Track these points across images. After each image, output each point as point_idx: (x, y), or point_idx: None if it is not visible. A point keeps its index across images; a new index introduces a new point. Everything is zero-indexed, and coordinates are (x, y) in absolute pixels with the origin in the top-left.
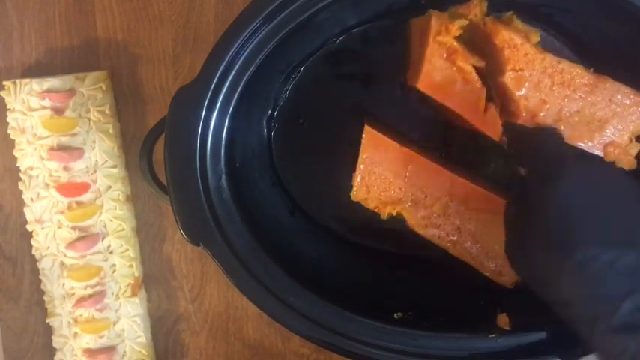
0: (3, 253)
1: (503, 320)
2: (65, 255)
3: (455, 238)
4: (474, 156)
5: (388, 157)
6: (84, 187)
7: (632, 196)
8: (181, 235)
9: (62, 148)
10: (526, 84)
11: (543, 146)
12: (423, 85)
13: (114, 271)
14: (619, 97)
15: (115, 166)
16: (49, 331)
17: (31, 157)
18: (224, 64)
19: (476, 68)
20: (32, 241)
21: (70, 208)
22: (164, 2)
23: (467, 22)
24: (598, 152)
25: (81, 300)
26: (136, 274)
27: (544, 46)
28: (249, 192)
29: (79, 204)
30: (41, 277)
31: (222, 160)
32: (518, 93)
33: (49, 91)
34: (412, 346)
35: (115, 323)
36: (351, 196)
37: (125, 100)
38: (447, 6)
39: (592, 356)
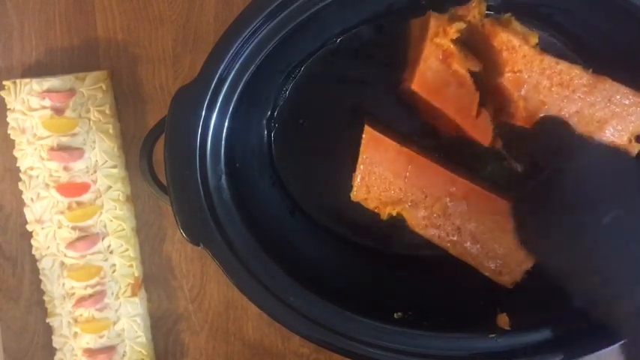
0: (3, 253)
1: (503, 320)
2: (65, 255)
3: (455, 238)
4: (471, 158)
5: (388, 157)
6: (84, 187)
7: None
8: (181, 235)
9: (62, 148)
10: (525, 85)
11: (551, 134)
12: (417, 85)
13: (114, 271)
14: (618, 97)
15: (115, 166)
16: (49, 331)
17: (31, 157)
18: (224, 64)
19: (471, 73)
20: (32, 241)
21: (70, 208)
22: (164, 2)
23: (465, 25)
24: None
25: (81, 300)
26: (136, 274)
27: (544, 47)
28: (249, 192)
29: (79, 204)
30: (41, 277)
31: (222, 160)
32: (517, 94)
33: (49, 91)
34: (412, 346)
35: (115, 323)
36: (351, 196)
37: (125, 100)
38: (446, 7)
39: (592, 356)
